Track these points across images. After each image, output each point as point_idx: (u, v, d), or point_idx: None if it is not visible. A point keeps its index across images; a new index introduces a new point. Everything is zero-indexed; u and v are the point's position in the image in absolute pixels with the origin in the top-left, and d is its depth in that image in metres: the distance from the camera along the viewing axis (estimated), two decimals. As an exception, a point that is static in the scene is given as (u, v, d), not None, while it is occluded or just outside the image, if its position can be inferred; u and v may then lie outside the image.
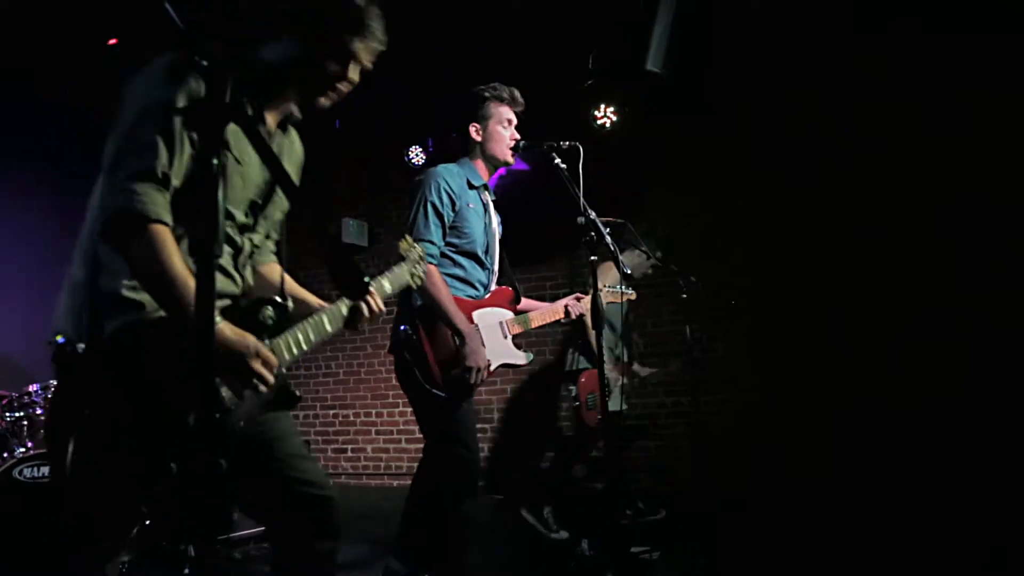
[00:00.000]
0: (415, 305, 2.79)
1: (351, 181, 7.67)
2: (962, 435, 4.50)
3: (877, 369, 5.00)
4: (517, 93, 3.10)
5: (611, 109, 5.99)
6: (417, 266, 2.32)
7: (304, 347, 1.82)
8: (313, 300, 2.05)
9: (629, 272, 2.89)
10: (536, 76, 6.09)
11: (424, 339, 2.73)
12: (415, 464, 2.97)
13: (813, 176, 5.40)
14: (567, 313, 3.25)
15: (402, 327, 2.76)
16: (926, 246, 5.03)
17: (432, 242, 2.81)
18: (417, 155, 6.94)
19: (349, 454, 7.42)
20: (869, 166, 5.28)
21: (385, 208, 7.57)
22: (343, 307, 1.96)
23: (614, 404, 4.44)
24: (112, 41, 5.51)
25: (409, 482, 2.92)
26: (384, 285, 2.17)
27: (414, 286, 2.30)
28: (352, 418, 7.50)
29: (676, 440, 5.97)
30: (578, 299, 3.34)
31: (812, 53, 5.19)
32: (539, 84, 6.11)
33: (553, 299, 6.53)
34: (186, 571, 2.69)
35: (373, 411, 7.37)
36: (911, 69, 5.01)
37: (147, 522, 4.31)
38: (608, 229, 3.52)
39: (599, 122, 6.08)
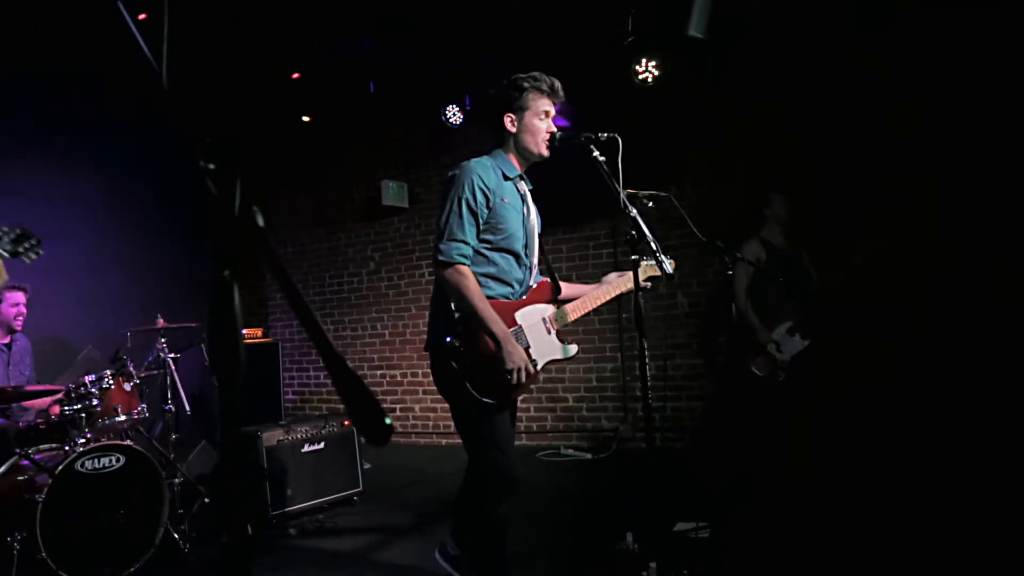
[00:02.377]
0: (455, 313, 2.73)
1: (388, 142, 7.59)
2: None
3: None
4: (558, 84, 2.94)
5: (652, 64, 5.76)
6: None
7: None
8: None
9: (671, 273, 2.79)
10: (576, 31, 5.93)
11: (469, 348, 2.68)
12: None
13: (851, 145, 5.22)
14: (626, 290, 3.14)
15: (447, 338, 2.71)
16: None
17: (465, 242, 2.73)
18: (455, 114, 6.79)
19: (398, 413, 7.55)
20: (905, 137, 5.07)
21: (424, 168, 7.50)
22: None
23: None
24: (142, 16, 5.47)
25: (457, 440, 2.92)
26: None
27: None
28: (399, 378, 7.60)
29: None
30: (623, 274, 3.23)
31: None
32: (579, 39, 5.97)
33: (597, 259, 6.57)
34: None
35: (420, 371, 7.45)
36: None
37: (206, 500, 4.48)
38: (651, 203, 3.44)
39: (640, 77, 5.86)
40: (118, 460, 3.79)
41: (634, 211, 2.75)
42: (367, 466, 5.35)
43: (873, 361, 4.95)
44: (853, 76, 5.20)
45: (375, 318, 7.80)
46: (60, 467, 3.57)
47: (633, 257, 2.77)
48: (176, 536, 4.01)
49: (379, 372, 7.73)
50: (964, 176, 4.81)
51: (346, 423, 5.04)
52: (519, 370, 2.69)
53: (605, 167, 2.83)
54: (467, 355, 2.67)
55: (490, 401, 2.67)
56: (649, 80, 5.84)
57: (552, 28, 5.90)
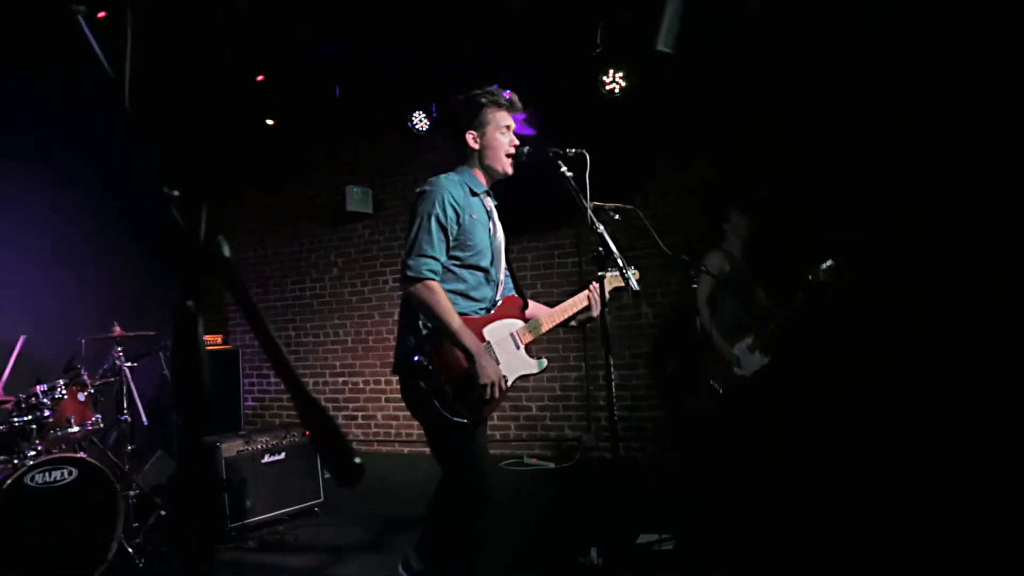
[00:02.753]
0: (423, 331, 2.70)
1: (354, 148, 7.52)
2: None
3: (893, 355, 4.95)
4: (515, 97, 2.95)
5: (619, 75, 5.79)
6: None
7: None
8: None
9: (637, 291, 2.79)
10: (543, 41, 5.94)
11: (439, 366, 2.65)
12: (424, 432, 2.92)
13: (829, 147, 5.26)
14: (589, 305, 3.11)
15: (415, 357, 2.68)
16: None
17: (435, 257, 2.71)
18: (421, 120, 6.76)
19: (360, 421, 7.47)
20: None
21: (390, 174, 7.45)
22: None
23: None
24: (101, 14, 5.34)
25: (420, 449, 2.89)
26: None
27: None
28: (362, 385, 7.53)
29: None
30: (592, 288, 3.21)
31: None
32: (546, 48, 5.98)
33: (561, 267, 6.59)
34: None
35: (382, 379, 7.39)
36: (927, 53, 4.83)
37: (162, 512, 4.38)
38: (617, 216, 3.45)
39: (607, 87, 5.90)
40: (70, 473, 3.69)
41: (601, 227, 2.75)
42: (327, 475, 5.28)
43: (873, 361, 4.97)
44: (854, 76, 5.18)
45: (338, 324, 7.72)
46: (8, 481, 3.46)
47: (600, 273, 2.78)
48: (131, 550, 3.91)
49: (341, 379, 7.64)
50: (965, 176, 4.82)
51: (307, 433, 4.98)
52: (492, 385, 2.67)
53: (572, 183, 2.84)
54: (436, 373, 2.64)
55: (462, 421, 2.64)
56: (616, 91, 5.87)
57: (520, 38, 5.91)
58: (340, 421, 7.50)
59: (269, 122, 7.04)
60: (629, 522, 4.07)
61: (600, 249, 2.75)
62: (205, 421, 1.41)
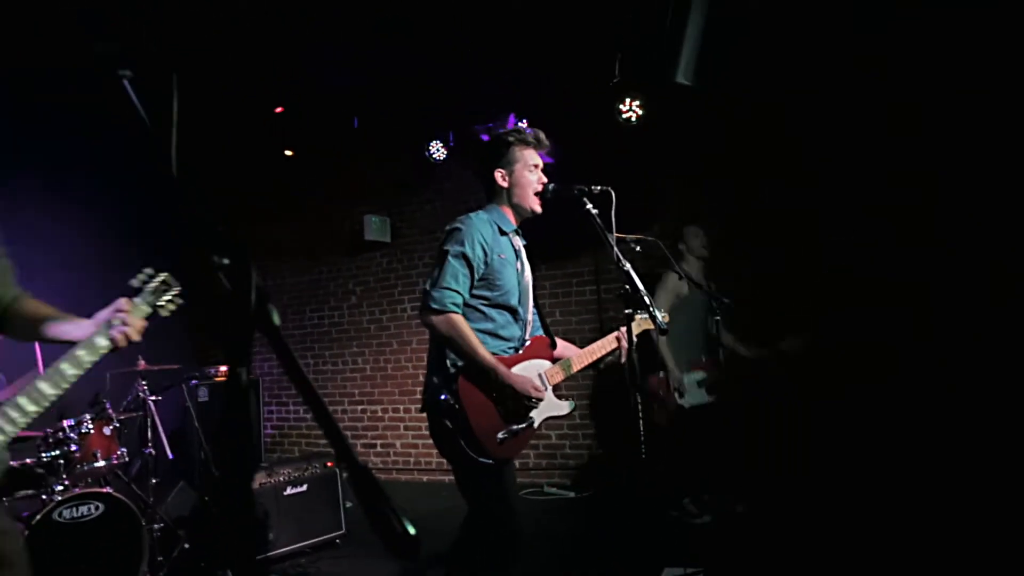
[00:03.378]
0: (450, 369, 2.71)
1: (371, 177, 7.58)
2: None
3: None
4: (542, 135, 2.98)
5: (636, 103, 5.83)
6: (161, 296, 2.13)
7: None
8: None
9: (665, 327, 2.79)
10: (560, 69, 5.98)
11: (466, 406, 2.65)
12: (444, 461, 2.92)
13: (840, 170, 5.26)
14: (617, 347, 3.11)
15: (442, 396, 2.69)
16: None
17: (458, 291, 2.72)
18: (438, 150, 6.81)
19: (378, 449, 7.46)
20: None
21: (407, 203, 7.50)
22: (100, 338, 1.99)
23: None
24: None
25: (439, 478, 2.90)
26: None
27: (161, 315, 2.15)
28: (380, 414, 7.53)
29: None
30: (620, 331, 3.22)
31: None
32: (563, 76, 6.03)
33: (580, 296, 6.58)
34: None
35: (401, 407, 7.38)
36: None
37: (186, 545, 4.38)
38: (638, 248, 3.46)
39: (624, 116, 5.93)
40: (97, 508, 3.71)
41: (628, 265, 2.76)
42: (348, 505, 5.27)
43: (873, 361, 4.93)
44: (853, 76, 5.17)
45: (356, 352, 7.74)
46: (38, 517, 3.48)
47: (627, 311, 2.79)
48: (155, 585, 3.92)
49: (359, 407, 7.65)
50: (964, 176, 4.79)
51: (329, 464, 4.98)
52: (531, 392, 2.69)
53: (598, 220, 2.85)
54: (466, 414, 2.65)
55: (488, 462, 2.65)
56: (633, 119, 5.90)
57: (536, 67, 5.96)
58: (359, 450, 7.50)
59: (288, 153, 7.11)
60: (653, 554, 4.04)
61: (627, 287, 2.75)
62: (250, 459, 1.42)
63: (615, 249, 2.75)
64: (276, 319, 1.05)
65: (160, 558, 4.18)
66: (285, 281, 8.24)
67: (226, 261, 1.07)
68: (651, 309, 2.75)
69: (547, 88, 6.07)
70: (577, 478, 6.46)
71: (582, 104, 6.05)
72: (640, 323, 3.20)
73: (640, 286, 2.73)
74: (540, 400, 2.75)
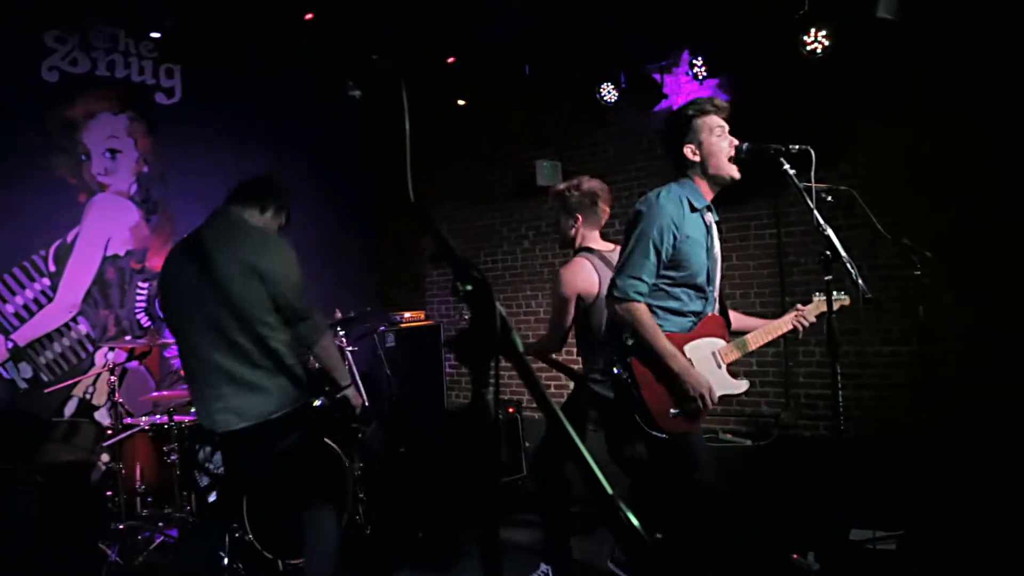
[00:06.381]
0: (626, 344, 2.74)
1: (542, 122, 7.58)
2: None
3: None
4: (719, 99, 2.89)
5: (822, 33, 5.42)
6: None
7: None
8: None
9: (870, 296, 2.65)
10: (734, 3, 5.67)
11: (640, 381, 2.69)
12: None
13: None
14: (795, 329, 3.05)
15: (615, 370, 2.74)
16: None
17: (643, 279, 2.73)
18: (609, 92, 6.68)
19: (552, 391, 7.65)
20: None
21: (578, 147, 7.46)
22: None
23: None
24: (308, 16, 5.67)
25: None
26: None
27: None
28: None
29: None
30: (799, 311, 3.13)
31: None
32: (740, 7, 5.70)
33: (759, 239, 6.34)
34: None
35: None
36: None
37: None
38: (830, 197, 3.28)
39: (808, 47, 5.54)
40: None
41: (829, 231, 2.63)
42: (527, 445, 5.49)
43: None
44: None
45: (530, 296, 7.91)
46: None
47: (827, 278, 2.67)
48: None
49: (533, 349, 7.84)
50: None
51: (511, 410, 5.20)
52: (702, 396, 2.67)
53: (795, 180, 2.73)
54: (639, 389, 2.68)
55: (662, 435, 2.68)
56: (818, 51, 5.51)
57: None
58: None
59: (461, 102, 7.24)
60: (839, 514, 3.93)
61: (828, 252, 2.63)
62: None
63: (815, 214, 2.63)
64: (519, 345, 1.09)
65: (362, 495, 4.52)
66: (459, 225, 8.49)
67: (469, 288, 1.12)
68: (855, 277, 2.62)
69: (722, 20, 5.77)
70: (753, 426, 6.35)
71: (761, 37, 5.71)
72: (817, 305, 3.10)
73: (843, 253, 2.60)
74: (703, 409, 2.71)
